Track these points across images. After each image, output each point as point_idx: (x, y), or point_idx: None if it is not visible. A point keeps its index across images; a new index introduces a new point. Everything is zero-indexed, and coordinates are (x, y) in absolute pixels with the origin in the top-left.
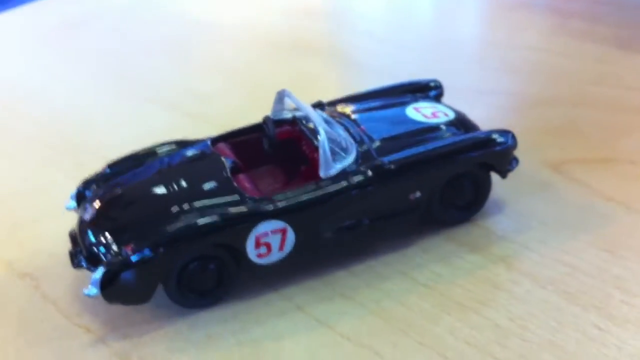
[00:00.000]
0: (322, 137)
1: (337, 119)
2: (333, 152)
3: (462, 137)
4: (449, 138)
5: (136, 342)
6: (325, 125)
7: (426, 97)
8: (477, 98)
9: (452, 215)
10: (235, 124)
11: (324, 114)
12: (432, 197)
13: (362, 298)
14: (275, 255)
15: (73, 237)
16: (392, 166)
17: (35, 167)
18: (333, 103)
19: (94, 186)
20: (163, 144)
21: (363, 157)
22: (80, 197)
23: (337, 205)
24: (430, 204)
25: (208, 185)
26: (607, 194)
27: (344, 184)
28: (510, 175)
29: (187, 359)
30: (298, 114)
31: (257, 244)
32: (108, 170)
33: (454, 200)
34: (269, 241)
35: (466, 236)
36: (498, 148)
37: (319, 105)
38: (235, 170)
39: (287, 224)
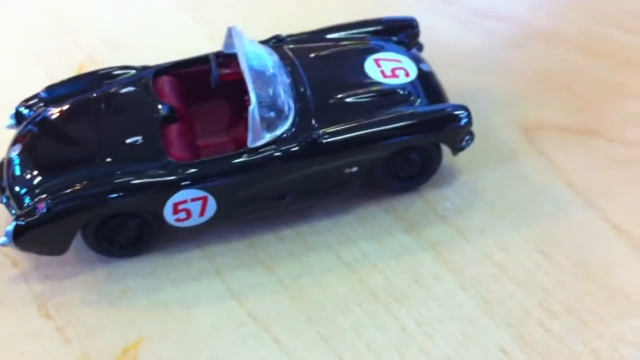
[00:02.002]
0: (252, 104)
1: (288, 63)
2: (265, 119)
3: (411, 111)
4: (398, 112)
5: (55, 287)
6: (258, 88)
7: (395, 43)
8: (470, 21)
9: (394, 185)
10: None
11: (274, 57)
12: (372, 170)
13: (281, 270)
14: (196, 220)
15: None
16: (327, 141)
17: None
18: (294, 38)
19: (29, 111)
20: (107, 71)
21: (300, 125)
22: (20, 117)
23: (263, 176)
24: (370, 175)
25: (134, 139)
26: (569, 177)
27: (272, 154)
28: (476, 135)
29: (98, 314)
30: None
31: (176, 210)
32: (45, 94)
33: (398, 172)
34: (188, 207)
35: (406, 210)
36: (447, 128)
37: (276, 40)
38: (170, 118)
39: (207, 193)
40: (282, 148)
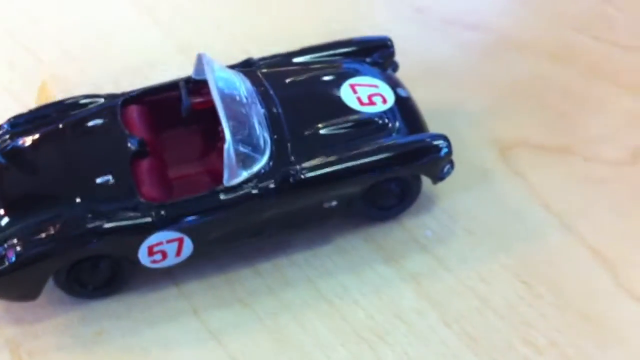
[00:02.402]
0: (227, 141)
1: (261, 91)
2: (241, 155)
3: (390, 143)
4: (376, 144)
5: (27, 331)
6: (233, 123)
7: (370, 64)
8: (442, 30)
9: (373, 213)
10: None
11: (246, 85)
12: (350, 202)
13: (261, 308)
14: (172, 260)
15: None
16: (306, 177)
17: None
18: (266, 62)
19: None
20: (74, 100)
21: (277, 159)
22: None
23: (240, 214)
24: (348, 204)
25: (104, 178)
26: (545, 198)
27: (249, 192)
28: (454, 154)
29: (73, 359)
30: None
31: (151, 253)
32: (8, 126)
33: (377, 201)
34: (164, 249)
35: (385, 238)
36: (427, 159)
37: (247, 65)
38: (140, 153)
39: (183, 234)
40: (260, 185)
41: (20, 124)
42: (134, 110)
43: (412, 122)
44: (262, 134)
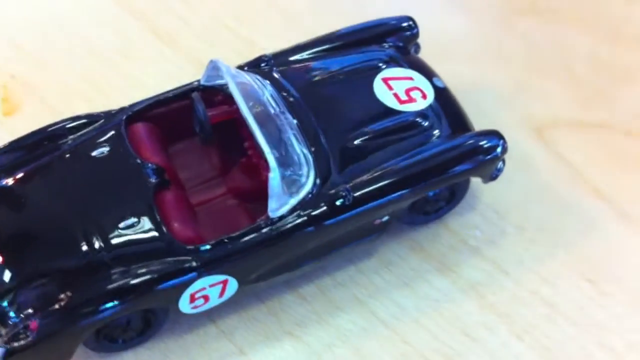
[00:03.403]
0: (273, 171)
1: (286, 96)
2: (285, 180)
3: (444, 148)
4: (427, 150)
5: None
6: (269, 137)
7: (395, 50)
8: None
9: (418, 219)
10: None
11: (269, 90)
12: (400, 214)
13: (313, 340)
14: (215, 302)
15: None
16: (358, 197)
17: None
18: (280, 59)
19: None
20: (63, 123)
21: (322, 180)
22: None
23: (288, 246)
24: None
25: (126, 217)
26: (594, 183)
27: (298, 221)
28: None
29: None
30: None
31: (192, 299)
32: None
33: (425, 208)
34: (206, 294)
35: (433, 244)
36: (483, 162)
37: (260, 64)
38: (161, 184)
39: (227, 276)
40: (308, 211)
41: (5, 159)
42: (139, 130)
43: (456, 117)
44: (302, 150)
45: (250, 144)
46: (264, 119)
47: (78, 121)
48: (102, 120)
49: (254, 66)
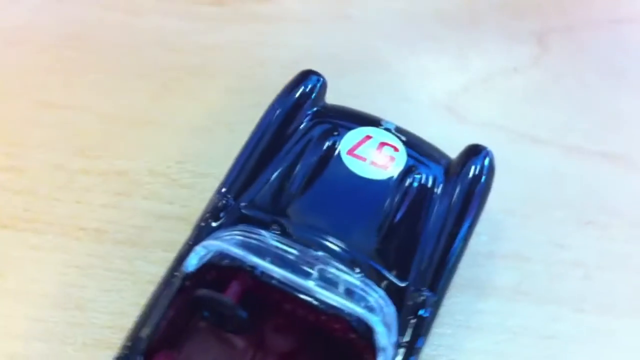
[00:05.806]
0: (377, 325)
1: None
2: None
3: (457, 199)
4: (437, 198)
5: None
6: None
7: (325, 114)
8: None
9: None
10: None
11: (275, 242)
12: None
13: None
14: None
15: None
16: (438, 290)
17: None
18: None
19: None
20: None
21: (396, 303)
22: None
23: None
24: None
25: None
26: None
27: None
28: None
29: None
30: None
31: None
32: None
33: None
34: None
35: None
36: (487, 176)
37: (220, 207)
38: None
39: None
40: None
41: None
42: None
43: (428, 149)
44: (354, 279)
45: (279, 297)
46: (297, 269)
47: None
48: None
49: (216, 213)
